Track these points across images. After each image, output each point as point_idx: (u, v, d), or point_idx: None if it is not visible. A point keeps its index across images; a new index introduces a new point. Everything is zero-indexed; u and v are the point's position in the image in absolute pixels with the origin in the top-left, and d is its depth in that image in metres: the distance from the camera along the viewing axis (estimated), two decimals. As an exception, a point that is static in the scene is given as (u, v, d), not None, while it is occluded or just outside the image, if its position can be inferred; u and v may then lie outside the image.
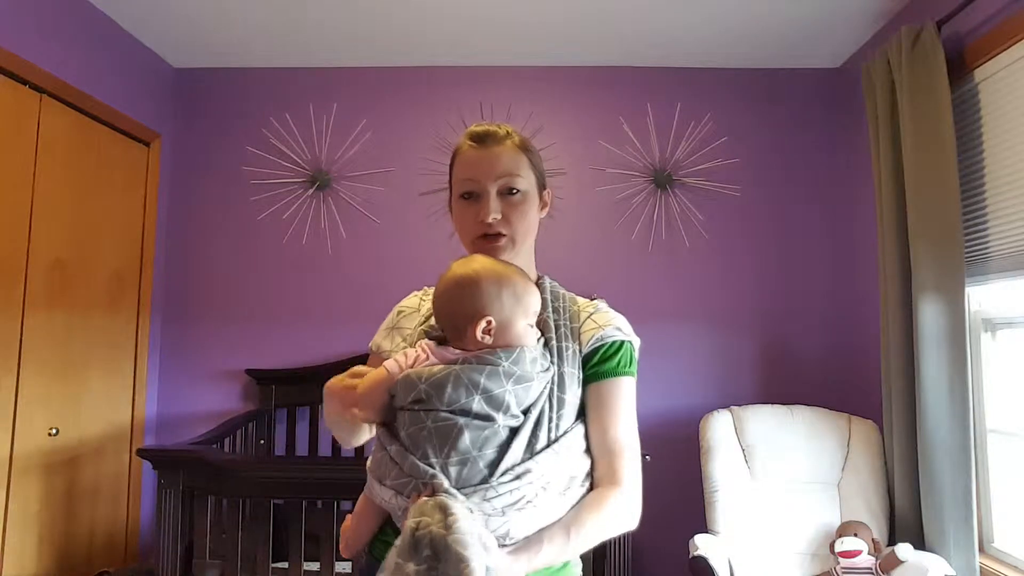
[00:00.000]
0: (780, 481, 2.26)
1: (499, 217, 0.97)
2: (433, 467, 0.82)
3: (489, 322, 0.88)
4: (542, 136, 2.88)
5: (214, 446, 2.34)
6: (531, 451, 0.84)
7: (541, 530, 0.83)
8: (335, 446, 2.81)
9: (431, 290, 1.10)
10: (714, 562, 1.96)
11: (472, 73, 2.95)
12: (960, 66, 2.01)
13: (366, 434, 1.05)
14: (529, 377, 0.86)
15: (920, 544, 2.00)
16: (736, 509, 2.22)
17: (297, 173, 2.93)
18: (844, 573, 1.99)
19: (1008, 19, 1.83)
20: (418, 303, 1.09)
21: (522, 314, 0.91)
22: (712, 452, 2.30)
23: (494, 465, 0.82)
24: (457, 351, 0.89)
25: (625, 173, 2.90)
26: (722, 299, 2.85)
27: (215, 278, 2.92)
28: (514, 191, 0.99)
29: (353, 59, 2.90)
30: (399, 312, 1.10)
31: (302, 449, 2.84)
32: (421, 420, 0.84)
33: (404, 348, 0.97)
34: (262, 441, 2.80)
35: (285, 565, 1.87)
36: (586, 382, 0.94)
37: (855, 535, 2.03)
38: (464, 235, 1.02)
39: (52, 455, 2.25)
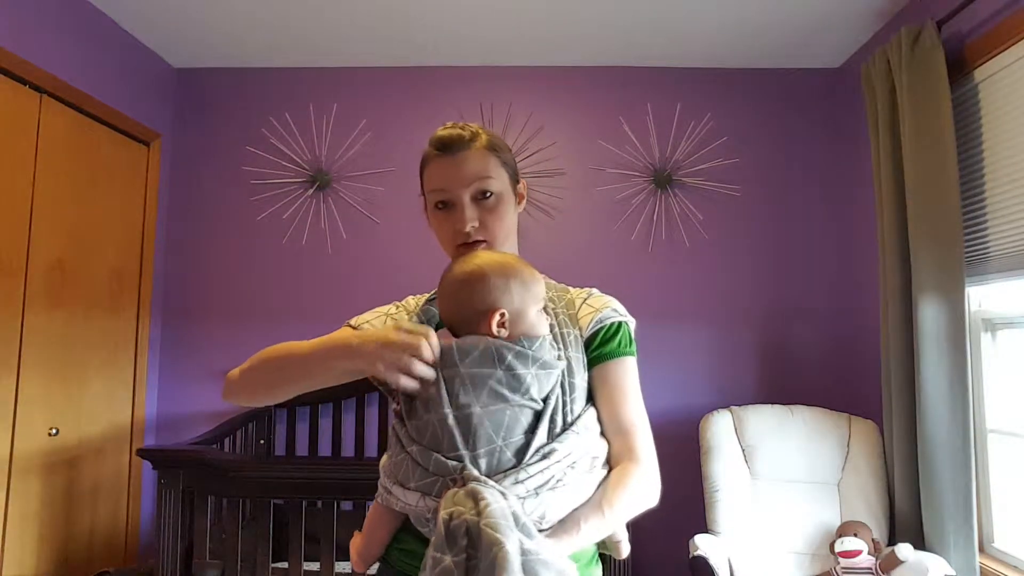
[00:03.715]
0: (780, 481, 2.26)
1: (476, 225, 0.97)
2: (462, 459, 0.80)
3: (503, 314, 0.87)
4: (542, 136, 2.88)
5: (214, 446, 2.35)
6: (551, 436, 0.85)
7: (575, 511, 0.84)
8: (335, 446, 2.81)
9: (429, 295, 1.10)
10: (714, 562, 1.96)
11: (472, 73, 2.95)
12: (960, 66, 2.01)
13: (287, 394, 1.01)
14: (552, 365, 0.86)
15: (920, 544, 2.00)
16: (736, 509, 2.22)
17: (297, 173, 2.93)
18: (844, 573, 1.99)
19: (1008, 19, 1.83)
20: (415, 305, 1.08)
21: (532, 302, 0.90)
22: (712, 452, 2.30)
23: (522, 451, 0.82)
24: None
25: (625, 173, 2.89)
26: (722, 299, 2.85)
27: (215, 278, 2.92)
28: (487, 194, 0.98)
29: (353, 59, 2.90)
30: (397, 307, 1.08)
31: (302, 449, 2.84)
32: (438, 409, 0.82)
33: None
34: (262, 441, 2.80)
35: (285, 565, 1.87)
36: (590, 365, 0.94)
37: (855, 535, 2.03)
38: (444, 244, 1.02)
39: (52, 455, 2.25)
